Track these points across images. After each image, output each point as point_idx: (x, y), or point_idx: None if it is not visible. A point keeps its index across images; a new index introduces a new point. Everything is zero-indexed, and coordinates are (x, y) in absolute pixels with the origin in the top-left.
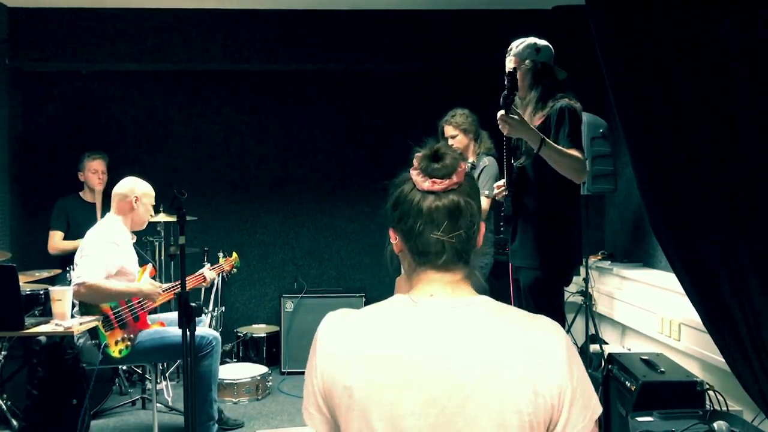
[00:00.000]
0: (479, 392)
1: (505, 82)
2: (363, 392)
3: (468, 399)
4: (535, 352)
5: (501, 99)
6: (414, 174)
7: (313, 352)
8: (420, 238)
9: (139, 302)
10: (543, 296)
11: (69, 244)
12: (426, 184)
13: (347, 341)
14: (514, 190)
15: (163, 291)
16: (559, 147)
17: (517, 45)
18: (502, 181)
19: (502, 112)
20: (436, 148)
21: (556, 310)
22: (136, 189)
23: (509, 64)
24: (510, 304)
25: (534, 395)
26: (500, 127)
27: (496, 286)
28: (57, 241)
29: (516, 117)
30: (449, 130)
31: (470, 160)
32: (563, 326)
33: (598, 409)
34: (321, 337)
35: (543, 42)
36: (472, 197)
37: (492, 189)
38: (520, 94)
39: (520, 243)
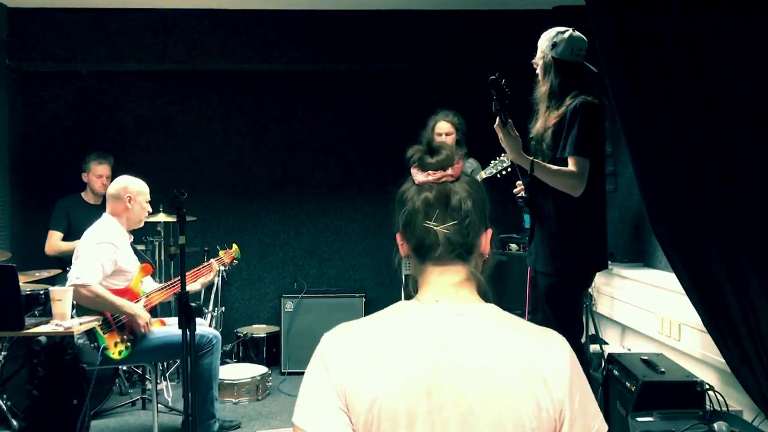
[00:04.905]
0: (480, 404)
1: (491, 93)
2: (380, 402)
3: (470, 410)
4: (539, 366)
5: (492, 108)
6: (412, 170)
7: (323, 373)
8: (415, 231)
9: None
10: (558, 302)
11: (67, 245)
12: (420, 177)
13: (362, 355)
14: (531, 191)
15: (164, 288)
16: (554, 168)
17: (543, 35)
18: (520, 181)
19: (496, 122)
20: (430, 142)
21: (571, 316)
22: (129, 188)
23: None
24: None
25: (538, 409)
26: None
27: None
28: (55, 242)
29: (510, 134)
30: (445, 127)
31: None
32: (580, 332)
33: (603, 429)
34: (331, 355)
35: (565, 36)
36: (471, 195)
37: None
38: (540, 88)
39: (535, 245)
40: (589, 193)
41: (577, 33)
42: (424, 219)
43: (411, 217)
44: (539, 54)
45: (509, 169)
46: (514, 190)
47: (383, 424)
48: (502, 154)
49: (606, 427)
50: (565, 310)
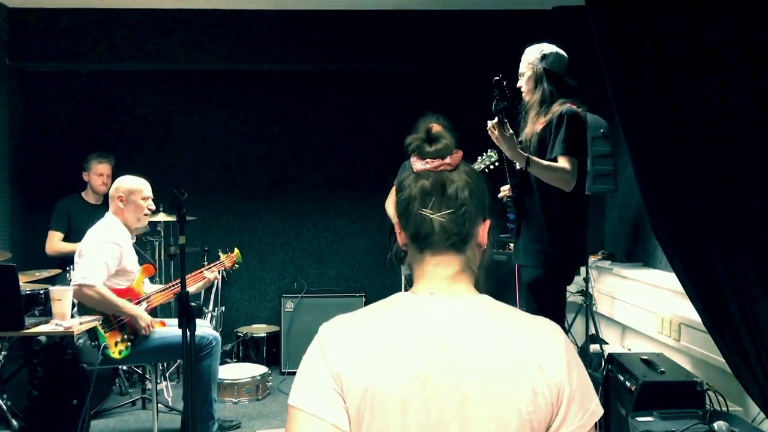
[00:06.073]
0: (477, 392)
1: (493, 92)
2: (373, 389)
3: (466, 399)
4: (533, 354)
5: (492, 107)
6: (411, 159)
7: (320, 357)
8: (411, 218)
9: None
10: (543, 295)
11: (67, 247)
12: (419, 165)
13: (359, 344)
14: (518, 191)
15: (162, 290)
16: (546, 162)
17: (528, 49)
18: (506, 186)
19: (494, 120)
20: (429, 131)
21: (556, 309)
22: (120, 188)
23: (520, 67)
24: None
25: (534, 394)
26: (490, 135)
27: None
28: (56, 243)
29: (506, 133)
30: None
31: None
32: (562, 325)
33: (599, 411)
34: (329, 342)
35: (553, 49)
36: (468, 185)
37: None
38: (525, 98)
39: (522, 242)
40: (572, 193)
41: (560, 49)
42: (421, 206)
43: (407, 204)
44: (527, 65)
45: (496, 164)
46: (500, 195)
47: (375, 409)
48: (489, 150)
49: (602, 410)
50: (551, 303)
